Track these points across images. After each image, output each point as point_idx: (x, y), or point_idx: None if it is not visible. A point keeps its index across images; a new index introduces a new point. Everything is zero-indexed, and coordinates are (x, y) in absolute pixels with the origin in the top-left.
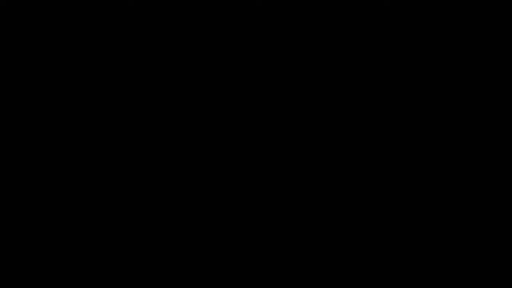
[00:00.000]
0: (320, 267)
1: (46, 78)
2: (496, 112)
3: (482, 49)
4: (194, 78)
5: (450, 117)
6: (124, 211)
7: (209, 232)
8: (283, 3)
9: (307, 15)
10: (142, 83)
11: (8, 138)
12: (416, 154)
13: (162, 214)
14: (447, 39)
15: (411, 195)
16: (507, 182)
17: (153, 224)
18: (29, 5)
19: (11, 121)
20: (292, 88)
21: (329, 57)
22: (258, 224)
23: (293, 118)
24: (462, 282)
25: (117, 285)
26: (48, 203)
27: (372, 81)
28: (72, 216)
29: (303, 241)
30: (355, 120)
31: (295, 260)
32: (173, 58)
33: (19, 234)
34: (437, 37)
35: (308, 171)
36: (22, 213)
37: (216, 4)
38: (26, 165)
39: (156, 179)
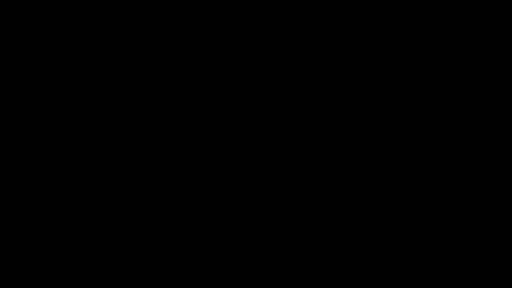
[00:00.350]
0: (320, 267)
1: (46, 78)
2: (496, 112)
3: (482, 49)
4: (194, 78)
5: (450, 117)
6: (124, 211)
7: (209, 232)
8: (283, 3)
9: (307, 15)
10: (142, 83)
11: (8, 138)
12: (416, 154)
13: (162, 214)
14: (447, 39)
15: (411, 195)
16: (507, 182)
17: (153, 224)
18: (29, 5)
19: (11, 121)
20: (292, 88)
21: (329, 57)
22: (258, 224)
23: (293, 118)
24: (462, 282)
25: (117, 285)
26: (48, 203)
27: (372, 81)
28: (72, 216)
29: (303, 241)
30: (355, 120)
31: (295, 260)
32: (173, 58)
33: (19, 234)
34: (437, 37)
35: (308, 171)
36: (22, 213)
37: (216, 4)
38: (26, 165)
39: (156, 179)
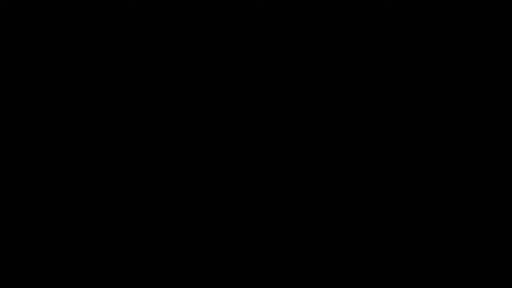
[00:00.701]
0: (320, 267)
1: (46, 78)
2: (496, 112)
3: (482, 49)
4: (194, 78)
5: (450, 117)
6: (124, 211)
7: (209, 232)
8: (283, 3)
9: (307, 15)
10: (142, 83)
11: (8, 138)
12: (416, 154)
13: (162, 214)
14: (447, 39)
15: (411, 195)
16: (507, 182)
17: (153, 224)
18: (29, 5)
19: (11, 121)
20: (292, 88)
21: (329, 57)
22: (258, 224)
23: (293, 118)
24: (462, 282)
25: (117, 285)
26: (48, 203)
27: (372, 81)
28: (72, 216)
29: (303, 241)
30: (355, 120)
31: (295, 260)
32: (173, 58)
33: (19, 234)
34: (437, 37)
35: (308, 171)
36: (22, 213)
37: (216, 4)
38: (26, 165)
39: (156, 179)
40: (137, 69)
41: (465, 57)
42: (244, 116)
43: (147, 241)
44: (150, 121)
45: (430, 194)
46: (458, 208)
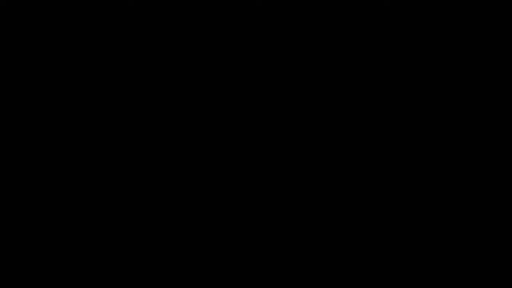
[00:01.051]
0: (320, 267)
1: (46, 78)
2: (496, 112)
3: (482, 49)
4: (194, 78)
5: (450, 117)
6: (124, 211)
7: (209, 232)
8: (283, 3)
9: (307, 15)
10: (142, 83)
11: (8, 138)
12: (416, 154)
13: (162, 214)
14: (447, 39)
15: (411, 195)
16: (507, 182)
17: (153, 224)
18: (29, 5)
19: (11, 121)
20: (292, 88)
21: (329, 57)
22: (258, 224)
23: (293, 118)
24: (462, 282)
25: (117, 285)
26: (48, 203)
27: (372, 81)
28: (72, 216)
29: (303, 241)
30: (355, 120)
31: (295, 260)
32: (173, 58)
33: (19, 234)
34: (437, 37)
35: (308, 171)
36: (22, 213)
37: (216, 4)
38: (26, 165)
39: (156, 179)
40: (137, 69)
41: (465, 57)
42: (244, 116)
43: (147, 241)
44: (150, 120)
45: (430, 194)
46: (458, 208)
